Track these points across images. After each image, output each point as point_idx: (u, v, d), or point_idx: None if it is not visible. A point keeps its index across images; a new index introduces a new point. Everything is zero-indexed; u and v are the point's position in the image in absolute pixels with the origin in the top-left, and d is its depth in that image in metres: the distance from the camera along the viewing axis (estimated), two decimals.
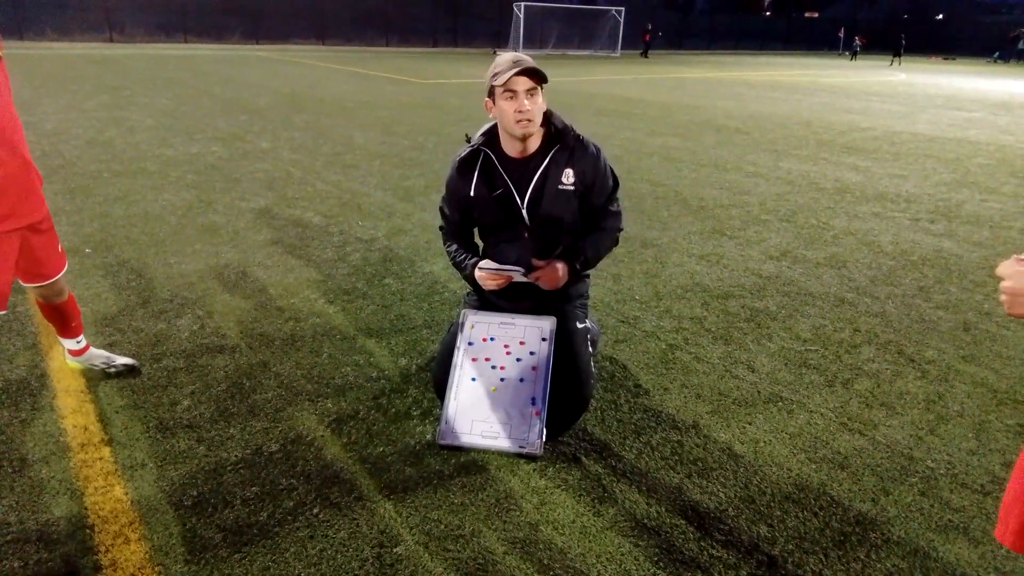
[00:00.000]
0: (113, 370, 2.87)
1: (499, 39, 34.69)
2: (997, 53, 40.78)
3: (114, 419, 2.58)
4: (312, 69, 19.65)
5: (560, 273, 2.53)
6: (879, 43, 51.59)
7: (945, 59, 42.56)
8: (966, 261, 4.75)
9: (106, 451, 2.40)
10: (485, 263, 2.53)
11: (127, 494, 2.19)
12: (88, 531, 2.04)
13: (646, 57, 33.19)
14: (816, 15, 53.30)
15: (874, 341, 3.47)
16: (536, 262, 2.55)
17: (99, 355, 2.88)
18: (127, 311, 3.50)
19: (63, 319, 2.73)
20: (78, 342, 2.82)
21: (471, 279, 2.61)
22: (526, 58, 2.38)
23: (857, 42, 39.03)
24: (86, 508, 2.13)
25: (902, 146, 9.47)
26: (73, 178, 6.06)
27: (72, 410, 2.63)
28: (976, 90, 19.54)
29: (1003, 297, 1.20)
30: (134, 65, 18.24)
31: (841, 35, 47.61)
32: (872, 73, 26.49)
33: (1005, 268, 1.21)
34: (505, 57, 2.39)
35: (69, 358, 2.86)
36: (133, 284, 3.84)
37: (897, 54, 36.72)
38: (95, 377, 2.85)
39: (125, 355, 2.97)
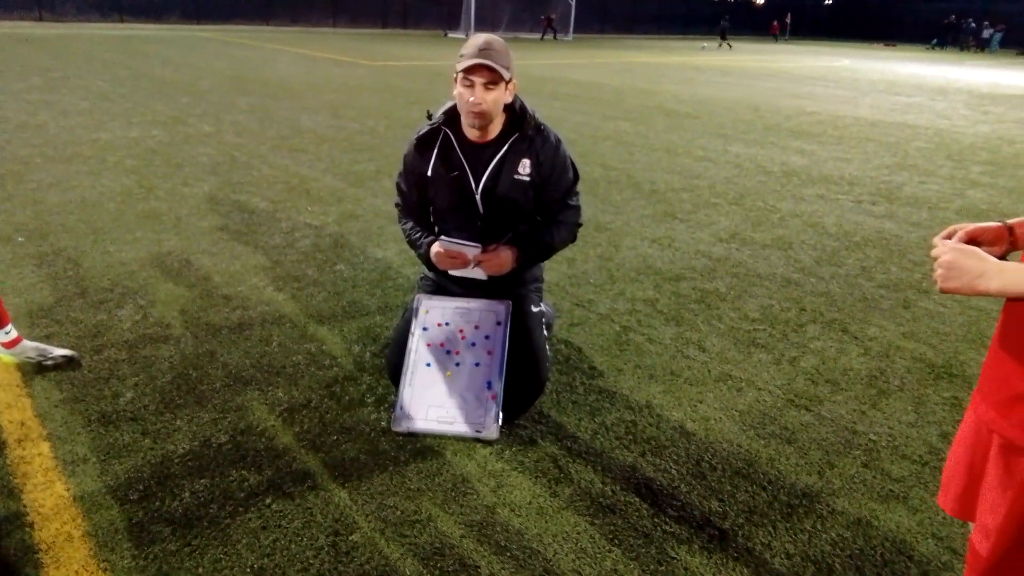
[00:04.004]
0: (50, 362, 2.75)
1: (450, 21, 34.29)
2: (935, 40, 42.08)
3: (53, 413, 2.48)
4: (256, 50, 19.12)
5: (504, 260, 2.50)
6: (817, 29, 52.81)
7: (886, 45, 43.75)
8: (906, 241, 4.91)
9: (45, 447, 2.31)
10: (444, 239, 2.49)
11: (69, 490, 2.11)
12: (28, 529, 1.96)
13: (553, 39, 32.79)
14: (761, 1, 54.20)
15: (819, 320, 3.56)
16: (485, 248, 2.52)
17: (32, 347, 2.75)
18: (64, 301, 3.37)
19: None
20: (7, 333, 2.69)
21: (426, 258, 2.58)
22: (496, 46, 2.29)
23: (725, 23, 36.06)
24: (25, 506, 2.05)
25: (845, 130, 9.73)
26: (3, 163, 5.78)
27: (7, 405, 2.52)
28: (915, 76, 20.18)
29: (938, 271, 1.23)
30: (67, 45, 17.45)
31: (788, 22, 48.37)
32: (813, 59, 27.10)
33: (940, 247, 1.25)
34: (475, 41, 2.30)
35: (2, 351, 2.73)
36: (70, 273, 3.69)
37: (722, 37, 35.20)
38: (31, 371, 2.73)
39: (63, 347, 2.85)
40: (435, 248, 2.50)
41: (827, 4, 54.51)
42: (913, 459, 2.45)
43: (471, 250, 2.47)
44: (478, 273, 2.54)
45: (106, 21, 28.56)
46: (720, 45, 34.54)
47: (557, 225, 2.60)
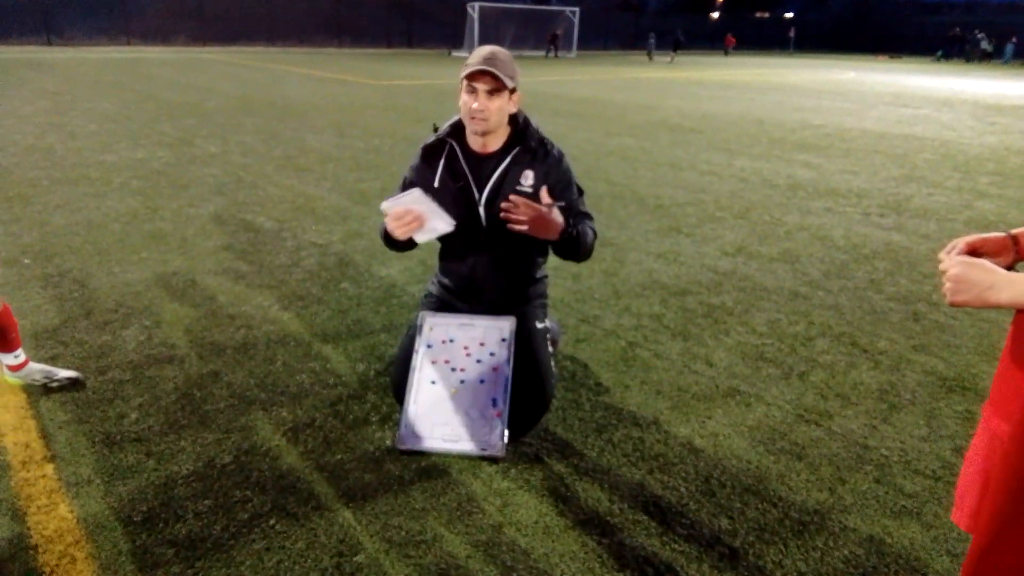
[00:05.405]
0: (55, 384, 2.75)
1: (455, 40, 34.58)
2: (940, 51, 42.10)
3: (57, 435, 2.48)
4: (262, 71, 19.30)
5: (555, 219, 2.33)
6: (821, 43, 53.02)
7: (891, 57, 43.80)
8: (915, 253, 4.88)
9: (49, 468, 2.30)
10: (386, 202, 2.26)
11: (72, 512, 2.10)
12: (32, 552, 1.95)
13: (555, 57, 32.97)
14: (767, 15, 54.49)
15: (828, 333, 3.53)
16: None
17: (39, 369, 2.75)
18: (69, 323, 3.37)
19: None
20: (16, 356, 2.69)
21: (385, 233, 2.43)
22: (500, 55, 2.33)
23: (652, 41, 34.95)
24: (29, 528, 2.03)
25: (852, 142, 9.72)
26: (10, 186, 5.83)
27: (12, 427, 2.52)
28: (921, 87, 20.19)
29: (947, 285, 1.22)
30: (75, 69, 17.67)
31: (791, 35, 48.63)
32: (818, 72, 27.17)
33: (948, 261, 1.24)
34: (480, 51, 2.34)
35: (8, 374, 2.73)
36: (76, 295, 3.70)
37: (675, 48, 34.60)
38: (36, 392, 2.73)
39: (68, 368, 2.85)
40: (386, 220, 2.30)
41: (830, 17, 54.79)
42: (926, 474, 2.41)
43: (417, 201, 2.22)
44: (442, 226, 2.31)
45: (114, 45, 28.88)
46: (672, 59, 33.99)
47: (582, 224, 2.55)
